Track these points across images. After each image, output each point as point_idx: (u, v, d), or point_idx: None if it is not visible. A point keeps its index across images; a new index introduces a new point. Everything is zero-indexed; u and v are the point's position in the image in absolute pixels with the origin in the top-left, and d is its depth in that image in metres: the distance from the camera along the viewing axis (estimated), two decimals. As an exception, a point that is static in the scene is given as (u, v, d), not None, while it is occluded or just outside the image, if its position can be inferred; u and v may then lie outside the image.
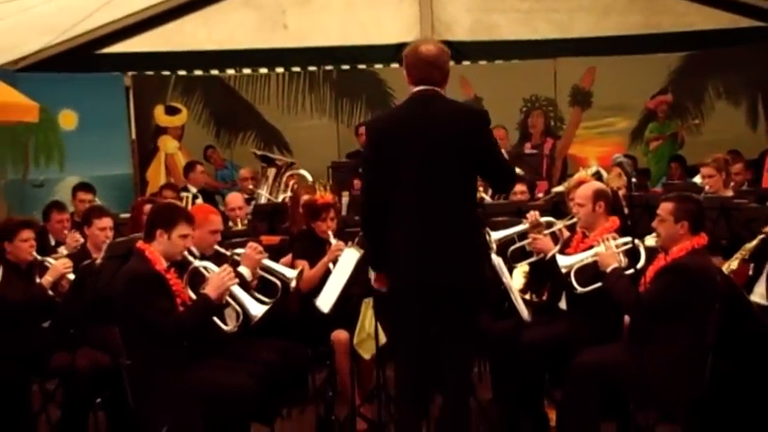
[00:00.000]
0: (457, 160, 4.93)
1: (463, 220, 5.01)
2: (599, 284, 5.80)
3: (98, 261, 6.28)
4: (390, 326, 5.58)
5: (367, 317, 6.51)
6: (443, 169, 4.93)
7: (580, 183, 7.07)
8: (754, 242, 6.42)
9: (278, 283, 6.14)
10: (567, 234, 6.74)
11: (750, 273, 6.34)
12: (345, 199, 9.15)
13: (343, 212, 8.50)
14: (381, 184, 5.06)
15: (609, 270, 5.72)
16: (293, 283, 6.19)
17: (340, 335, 6.62)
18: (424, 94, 5.02)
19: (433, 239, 4.93)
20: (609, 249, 5.84)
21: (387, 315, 5.94)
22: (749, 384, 5.58)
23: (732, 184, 8.86)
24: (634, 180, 5.62)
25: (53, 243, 8.10)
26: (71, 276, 6.45)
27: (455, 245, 4.94)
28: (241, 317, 5.70)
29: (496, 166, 5.14)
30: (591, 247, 6.09)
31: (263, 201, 10.26)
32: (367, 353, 6.54)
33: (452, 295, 4.94)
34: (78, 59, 13.12)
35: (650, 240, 5.93)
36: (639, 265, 5.64)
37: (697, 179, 9.32)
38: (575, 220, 6.54)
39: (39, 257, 6.59)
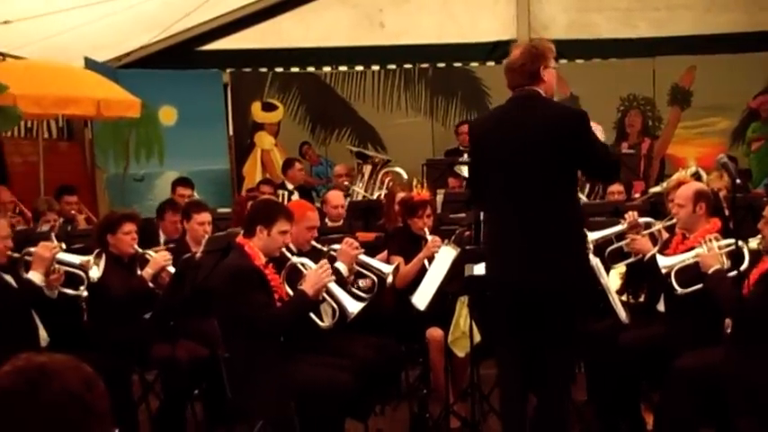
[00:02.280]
0: (555, 161, 4.94)
1: (563, 220, 5.01)
2: (700, 286, 5.70)
3: (198, 255, 6.37)
4: (487, 324, 5.55)
5: (462, 315, 6.48)
6: (542, 170, 4.94)
7: (679, 183, 6.96)
8: None
9: (374, 278, 6.15)
10: (665, 235, 6.63)
11: None
12: (440, 197, 9.12)
13: (439, 210, 8.47)
14: (482, 184, 5.17)
15: (711, 271, 5.62)
16: (389, 279, 6.20)
17: (435, 332, 6.61)
18: (520, 95, 5.11)
19: (533, 240, 4.94)
20: (711, 251, 5.74)
21: (482, 313, 5.93)
22: None
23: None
24: (738, 181, 5.49)
25: (162, 241, 8.12)
26: (171, 269, 6.55)
27: (555, 245, 4.94)
28: (337, 313, 5.74)
29: (597, 162, 5.15)
30: (691, 249, 5.98)
31: (358, 197, 10.29)
32: (461, 351, 6.52)
33: (551, 296, 4.93)
34: (178, 56, 13.37)
35: (753, 243, 5.80)
36: (743, 268, 5.53)
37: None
38: (674, 221, 6.43)
39: (140, 250, 6.68)
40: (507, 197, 5.02)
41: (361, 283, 6.32)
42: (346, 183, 10.84)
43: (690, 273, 5.80)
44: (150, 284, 6.49)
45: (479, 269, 5.72)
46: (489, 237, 5.13)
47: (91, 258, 6.21)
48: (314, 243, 6.23)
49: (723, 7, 13.25)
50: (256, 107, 13.63)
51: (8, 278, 5.98)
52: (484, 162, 5.14)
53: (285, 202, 9.41)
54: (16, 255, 6.03)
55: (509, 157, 4.98)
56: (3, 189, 8.69)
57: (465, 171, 9.94)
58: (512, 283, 4.98)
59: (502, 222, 5.05)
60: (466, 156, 11.36)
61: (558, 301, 4.95)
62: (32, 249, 6.04)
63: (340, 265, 5.98)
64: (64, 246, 6.60)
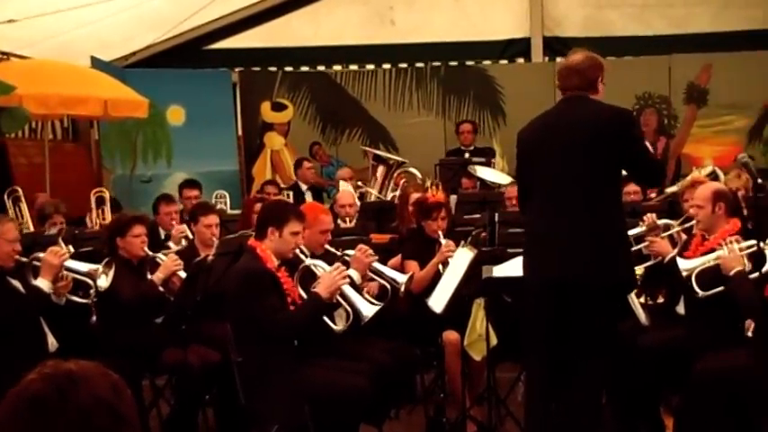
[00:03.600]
0: (601, 160, 5.05)
1: (606, 218, 5.10)
2: (721, 288, 5.68)
3: (209, 258, 6.36)
4: (519, 325, 5.55)
5: (478, 318, 6.46)
6: (587, 169, 5.04)
7: (695, 183, 6.97)
8: None
9: (387, 286, 6.14)
10: (683, 236, 6.61)
11: None
12: (454, 198, 9.11)
13: (453, 212, 8.46)
14: (528, 186, 5.32)
15: (732, 273, 5.59)
16: (402, 288, 6.16)
17: (451, 336, 6.59)
18: (570, 98, 5.22)
19: (577, 236, 5.03)
20: (732, 252, 5.70)
21: (499, 316, 5.94)
22: None
23: None
24: (759, 181, 5.47)
25: (162, 236, 8.20)
26: (182, 273, 6.54)
27: (595, 242, 5.02)
28: (351, 316, 5.73)
29: (643, 164, 5.26)
30: (711, 250, 5.96)
31: (372, 198, 10.27)
32: (478, 354, 6.50)
33: (591, 291, 5.00)
34: (186, 55, 13.40)
35: (774, 244, 5.78)
36: (765, 269, 5.51)
37: (820, 180, 9.06)
38: (691, 222, 6.40)
39: (150, 253, 6.67)
40: (555, 196, 5.12)
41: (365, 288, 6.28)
42: (359, 182, 10.79)
43: (710, 275, 5.77)
44: (161, 289, 6.49)
45: (498, 270, 5.73)
46: (534, 237, 5.23)
47: (100, 267, 6.20)
48: (328, 246, 6.22)
49: (740, 4, 13.24)
50: (266, 107, 13.62)
51: (15, 283, 5.98)
52: (530, 163, 5.28)
53: (294, 202, 9.41)
54: (24, 259, 6.01)
55: (556, 157, 5.09)
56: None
57: (479, 171, 9.93)
58: (559, 278, 5.04)
59: (545, 219, 5.15)
60: (467, 155, 11.37)
61: (604, 298, 5.04)
62: (41, 255, 6.02)
63: (353, 273, 5.95)
64: (72, 249, 6.62)
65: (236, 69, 13.65)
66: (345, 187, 9.88)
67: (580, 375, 5.11)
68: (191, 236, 7.43)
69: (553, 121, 5.25)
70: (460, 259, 6.28)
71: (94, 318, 6.57)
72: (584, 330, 5.03)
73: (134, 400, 2.09)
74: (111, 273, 6.27)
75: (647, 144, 5.48)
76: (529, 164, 5.30)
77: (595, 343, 5.08)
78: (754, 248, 5.56)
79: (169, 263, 6.56)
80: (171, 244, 7.63)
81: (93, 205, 9.30)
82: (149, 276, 6.55)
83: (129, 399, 2.06)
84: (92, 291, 6.23)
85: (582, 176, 5.03)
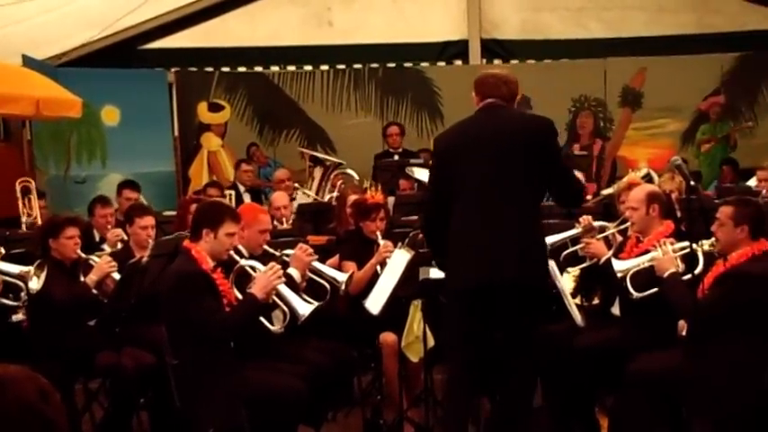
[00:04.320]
0: (525, 167, 5.07)
1: (530, 223, 5.15)
2: (655, 290, 5.75)
3: (144, 260, 6.30)
4: (446, 326, 5.56)
5: (416, 319, 6.47)
6: (512, 176, 5.06)
7: (630, 185, 7.04)
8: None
9: (327, 285, 6.13)
10: (619, 238, 6.68)
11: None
12: (392, 199, 9.11)
13: (391, 213, 8.46)
14: (446, 193, 5.23)
15: (666, 275, 5.67)
16: (343, 287, 6.17)
17: (388, 337, 6.59)
18: (491, 105, 5.20)
19: (499, 241, 5.04)
20: (666, 254, 5.79)
21: (436, 317, 5.95)
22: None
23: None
24: (692, 183, 5.54)
25: (97, 239, 8.12)
26: (116, 275, 6.48)
27: (520, 245, 5.05)
28: (288, 317, 5.71)
29: (560, 178, 5.29)
30: (646, 252, 6.03)
31: (308, 200, 10.25)
32: (415, 356, 6.51)
33: (517, 293, 5.03)
34: (122, 54, 13.22)
35: (707, 245, 5.86)
36: (697, 271, 5.59)
37: (751, 182, 9.22)
38: (627, 224, 6.48)
39: (83, 255, 6.60)
40: (481, 202, 5.10)
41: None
42: (296, 185, 10.78)
43: (645, 276, 5.85)
44: (94, 291, 6.42)
45: (435, 272, 5.73)
46: (460, 243, 5.17)
47: (31, 269, 6.13)
48: (266, 247, 6.20)
49: (674, 9, 13.42)
50: (202, 107, 13.50)
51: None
52: (450, 170, 5.21)
53: (234, 203, 9.37)
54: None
55: (478, 163, 5.08)
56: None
57: (417, 173, 9.93)
58: (490, 283, 5.03)
59: (468, 226, 5.13)
60: (396, 157, 11.38)
61: (527, 298, 5.08)
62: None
63: (293, 271, 5.95)
64: (2, 251, 6.52)
65: (173, 69, 13.49)
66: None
67: (512, 375, 5.15)
68: (126, 238, 7.35)
69: (476, 129, 5.22)
70: (398, 261, 6.29)
71: (25, 321, 6.49)
72: (514, 331, 5.08)
73: (63, 404, 2.05)
74: (44, 275, 6.19)
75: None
76: (449, 170, 5.25)
77: (524, 342, 5.15)
78: (687, 250, 5.63)
79: (102, 264, 6.50)
80: (106, 247, 7.54)
81: (19, 194, 9.18)
82: (83, 278, 6.48)
83: (57, 403, 2.03)
84: (23, 293, 6.15)
85: (507, 182, 5.05)
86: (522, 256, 5.05)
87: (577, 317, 6.18)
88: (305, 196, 10.31)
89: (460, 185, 5.16)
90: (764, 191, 8.39)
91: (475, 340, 5.15)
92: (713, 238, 5.67)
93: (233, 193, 10.68)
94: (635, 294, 5.85)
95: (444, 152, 5.33)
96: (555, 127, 5.26)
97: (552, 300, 6.64)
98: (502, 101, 5.21)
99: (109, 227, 7.98)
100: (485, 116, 5.24)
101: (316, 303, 5.82)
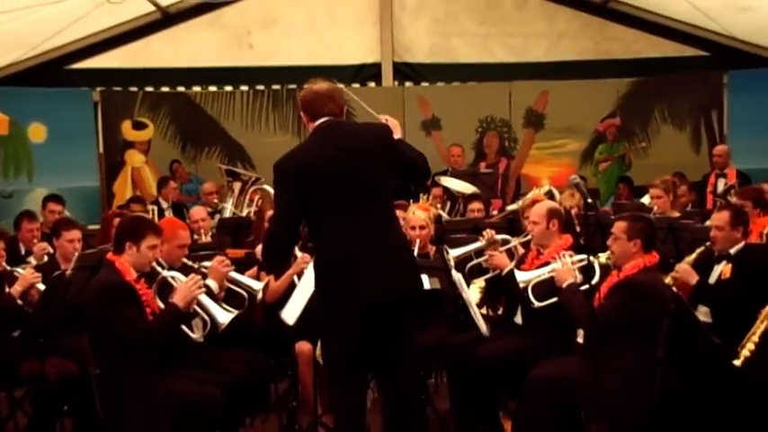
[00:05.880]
0: (382, 175, 4.91)
1: (397, 232, 5.04)
2: (555, 299, 5.82)
3: (68, 272, 6.21)
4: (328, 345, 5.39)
5: (330, 329, 6.45)
6: (374, 188, 4.89)
7: (534, 201, 7.11)
8: (693, 255, 6.48)
9: (244, 294, 6.10)
10: (521, 251, 6.76)
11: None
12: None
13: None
14: (297, 216, 4.95)
15: (565, 285, 5.74)
16: (259, 295, 6.16)
17: (303, 346, 6.57)
18: (327, 124, 4.96)
19: (383, 255, 4.85)
20: (565, 266, 5.86)
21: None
22: (697, 396, 5.61)
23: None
24: (590, 200, 5.62)
25: (23, 252, 7.98)
26: (40, 286, 6.38)
27: (394, 253, 4.91)
28: (208, 325, 5.69)
29: (407, 155, 5.06)
30: (546, 264, 6.11)
31: (227, 214, 10.19)
32: (329, 364, 6.48)
33: (407, 300, 4.90)
34: (48, 74, 13.07)
35: (603, 257, 5.96)
36: (594, 282, 5.67)
37: (645, 199, 9.39)
38: (529, 237, 6.56)
39: (8, 268, 6.50)
40: (351, 219, 4.85)
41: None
42: (216, 200, 10.74)
43: (545, 287, 5.92)
44: (19, 302, 6.31)
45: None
46: (337, 262, 4.89)
47: None
48: (185, 260, 6.15)
49: (573, 36, 13.66)
50: (126, 125, 13.40)
51: None
52: (307, 195, 4.86)
53: (155, 218, 9.28)
54: None
55: (334, 181, 4.83)
56: None
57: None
58: (377, 298, 4.82)
59: (350, 246, 4.85)
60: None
61: (411, 305, 4.93)
62: None
63: (211, 282, 5.90)
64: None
65: (98, 89, 13.36)
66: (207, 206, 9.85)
67: (405, 384, 5.04)
68: (51, 251, 7.24)
69: (321, 150, 4.90)
70: (312, 273, 6.26)
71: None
72: (403, 341, 4.95)
73: None
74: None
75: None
76: (300, 195, 4.85)
77: (414, 351, 5.04)
78: (585, 262, 5.70)
79: (27, 275, 6.41)
80: (32, 260, 7.42)
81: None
82: (7, 289, 6.36)
83: None
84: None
85: (370, 195, 4.86)
86: (403, 264, 4.93)
87: (483, 326, 6.22)
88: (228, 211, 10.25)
89: (321, 207, 4.86)
90: (656, 207, 8.53)
91: (361, 355, 4.95)
92: (609, 251, 5.78)
93: (155, 208, 10.58)
94: (536, 304, 5.92)
95: (292, 177, 4.92)
96: (388, 126, 5.02)
97: (459, 310, 6.72)
98: (334, 117, 4.97)
99: (35, 241, 7.89)
100: (325, 136, 4.94)
101: (234, 312, 5.79)
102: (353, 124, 5.09)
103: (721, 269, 6.34)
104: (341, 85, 5.26)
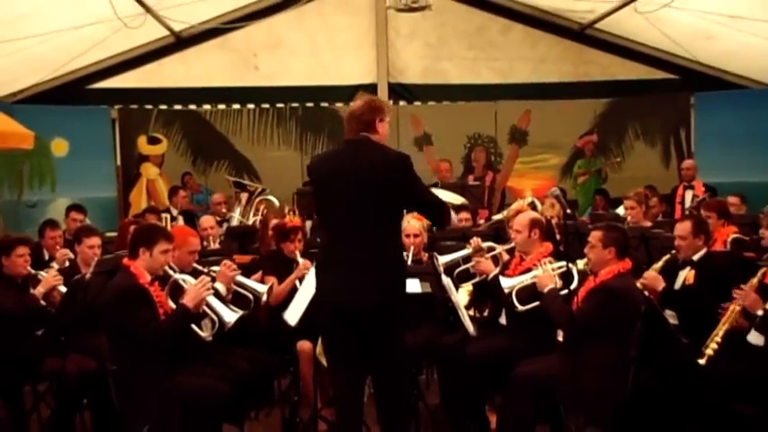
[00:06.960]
0: (384, 198, 4.89)
1: (391, 248, 5.00)
2: (537, 303, 5.82)
3: (87, 276, 6.21)
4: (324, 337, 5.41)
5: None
6: (373, 206, 4.89)
7: (518, 212, 7.13)
8: (660, 262, 6.48)
9: (250, 296, 6.10)
10: (506, 257, 6.76)
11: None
12: (309, 222, 9.11)
13: (308, 235, 8.45)
14: (324, 214, 5.12)
15: (546, 290, 5.74)
16: (264, 297, 6.15)
17: (304, 345, 6.57)
18: (354, 140, 5.01)
19: (356, 268, 4.89)
20: (546, 272, 5.86)
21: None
22: (667, 392, 5.61)
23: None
24: (569, 211, 5.63)
25: (46, 258, 7.98)
26: (62, 288, 6.38)
27: (378, 268, 4.90)
28: (216, 325, 5.69)
29: (425, 201, 5.11)
30: (528, 270, 6.11)
31: (235, 223, 10.21)
32: (328, 361, 6.48)
33: (385, 310, 4.89)
34: (70, 93, 13.12)
35: (581, 264, 5.95)
36: (573, 287, 5.67)
37: (620, 210, 9.41)
38: (513, 245, 6.56)
39: (32, 271, 6.50)
40: (344, 228, 4.93)
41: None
42: (224, 210, 10.75)
43: (528, 291, 5.92)
44: (42, 302, 6.31)
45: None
46: (327, 264, 5.03)
47: None
48: (195, 265, 6.14)
49: (554, 60, 13.69)
50: (142, 140, 13.45)
51: None
52: (325, 196, 5.05)
53: (168, 225, 9.28)
54: None
55: (345, 193, 4.90)
56: None
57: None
58: (357, 305, 4.87)
59: (335, 248, 4.98)
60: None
61: (391, 314, 4.92)
62: None
63: (218, 285, 5.90)
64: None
65: (116, 107, 13.41)
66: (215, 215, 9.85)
67: (391, 381, 5.05)
68: (73, 257, 7.24)
69: (340, 161, 5.01)
70: (313, 278, 6.24)
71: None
72: (386, 344, 4.94)
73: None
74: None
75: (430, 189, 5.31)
76: (322, 194, 5.06)
77: (397, 352, 5.01)
78: (564, 268, 5.70)
79: (49, 278, 6.44)
80: (54, 264, 7.42)
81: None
82: (32, 291, 6.36)
83: None
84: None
85: (369, 212, 4.87)
86: (388, 279, 4.90)
87: (470, 327, 6.22)
88: (236, 220, 10.27)
89: (327, 210, 5.05)
90: (630, 218, 8.55)
91: (353, 353, 5.00)
92: (586, 258, 5.78)
93: (168, 216, 10.59)
94: (519, 307, 5.92)
95: (311, 174, 5.19)
96: (410, 161, 4.97)
97: (448, 312, 6.71)
98: (359, 134, 4.99)
99: (57, 247, 7.93)
100: (349, 149, 5.03)
101: (241, 312, 5.82)
102: (375, 148, 4.97)
103: (685, 275, 6.34)
104: (382, 99, 5.30)
